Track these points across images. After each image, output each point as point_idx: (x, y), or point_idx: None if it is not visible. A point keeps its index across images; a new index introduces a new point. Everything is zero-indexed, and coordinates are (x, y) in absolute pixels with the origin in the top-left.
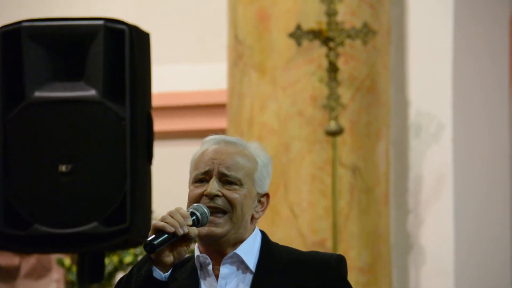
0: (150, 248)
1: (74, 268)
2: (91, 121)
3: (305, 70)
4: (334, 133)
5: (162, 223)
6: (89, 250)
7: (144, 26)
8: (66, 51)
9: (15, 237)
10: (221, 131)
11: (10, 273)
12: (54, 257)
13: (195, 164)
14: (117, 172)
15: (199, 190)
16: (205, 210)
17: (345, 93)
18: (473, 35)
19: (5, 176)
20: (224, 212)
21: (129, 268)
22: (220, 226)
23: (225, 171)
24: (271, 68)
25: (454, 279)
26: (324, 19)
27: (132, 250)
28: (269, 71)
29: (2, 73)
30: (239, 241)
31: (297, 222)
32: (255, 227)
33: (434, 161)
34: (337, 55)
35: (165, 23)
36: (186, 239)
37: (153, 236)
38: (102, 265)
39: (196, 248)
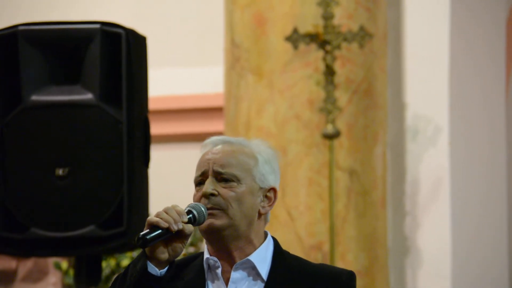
0: (142, 242)
1: (71, 272)
2: (88, 125)
3: (302, 73)
4: (331, 136)
5: (156, 219)
6: (86, 253)
7: (140, 29)
8: (62, 55)
9: (12, 241)
10: (218, 135)
11: (7, 277)
12: (51, 260)
13: (196, 168)
14: (114, 175)
15: (199, 193)
16: (203, 209)
17: (342, 96)
18: (470, 38)
19: (2, 180)
20: (221, 209)
21: None
22: (218, 218)
23: (220, 169)
24: (268, 72)
25: (451, 282)
26: (320, 22)
27: (129, 253)
28: (266, 75)
29: None
30: (244, 237)
31: (295, 225)
32: (267, 234)
33: (431, 164)
34: (334, 59)
35: (161, 27)
36: (181, 236)
37: (146, 231)
38: (99, 269)
39: (205, 249)
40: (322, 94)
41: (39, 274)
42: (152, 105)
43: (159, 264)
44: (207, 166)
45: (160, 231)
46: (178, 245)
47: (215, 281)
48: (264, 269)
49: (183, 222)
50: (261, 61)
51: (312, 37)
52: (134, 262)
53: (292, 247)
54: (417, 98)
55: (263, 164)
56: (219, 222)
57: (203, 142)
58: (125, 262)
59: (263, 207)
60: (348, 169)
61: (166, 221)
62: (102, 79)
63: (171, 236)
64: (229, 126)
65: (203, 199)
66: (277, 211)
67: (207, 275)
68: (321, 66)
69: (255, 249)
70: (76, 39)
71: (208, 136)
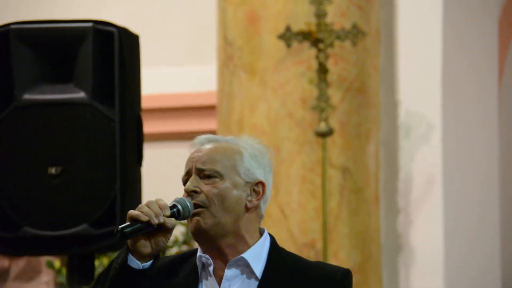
0: (121, 235)
1: (64, 270)
2: (80, 123)
3: (294, 71)
4: (324, 134)
5: (136, 212)
6: (79, 252)
7: (133, 28)
8: (55, 54)
9: (4, 240)
10: (211, 133)
11: (0, 276)
12: (44, 259)
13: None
14: (107, 174)
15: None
16: (188, 203)
17: (335, 94)
18: (463, 36)
19: None
20: (204, 207)
21: None
22: (202, 220)
23: (201, 166)
24: (261, 70)
25: (444, 279)
26: (313, 20)
27: None
28: (259, 73)
29: None
30: (232, 234)
31: (287, 223)
32: (264, 231)
33: (424, 161)
34: (327, 57)
35: (154, 25)
36: (163, 230)
37: (126, 224)
38: (92, 267)
39: (199, 249)
40: (315, 92)
41: (32, 273)
42: (145, 103)
43: (142, 257)
44: (191, 164)
45: (139, 224)
46: (161, 239)
47: (209, 279)
48: (258, 267)
49: (165, 215)
50: (254, 59)
51: (305, 35)
52: (117, 256)
53: (284, 245)
54: (409, 96)
55: (249, 159)
56: (203, 224)
57: (191, 142)
58: None
59: (250, 201)
60: (341, 166)
61: (147, 215)
62: (94, 78)
63: (154, 230)
64: (222, 124)
65: (186, 196)
66: (270, 209)
67: (201, 273)
68: (314, 64)
69: (248, 246)
70: (68, 38)
71: (201, 134)
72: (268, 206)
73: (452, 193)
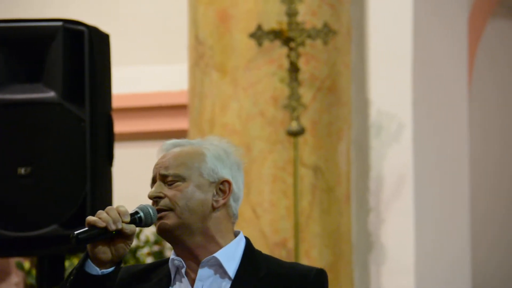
0: (75, 241)
1: (34, 272)
2: (50, 123)
3: (266, 70)
4: (295, 133)
5: (94, 218)
6: (49, 253)
7: (103, 27)
8: (24, 53)
9: None
10: (183, 132)
11: None
12: (14, 260)
13: None
14: (77, 174)
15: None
16: (150, 210)
17: (306, 93)
18: (433, 35)
19: None
20: (169, 210)
21: None
22: (166, 219)
23: (164, 172)
24: (232, 69)
25: (414, 278)
26: (284, 19)
27: None
28: (230, 72)
29: None
30: (200, 234)
31: (259, 223)
32: (239, 233)
33: (395, 160)
34: (298, 55)
35: (125, 24)
36: (123, 236)
37: (83, 229)
38: (62, 268)
39: (172, 252)
40: (286, 91)
41: (1, 274)
42: (115, 103)
43: (101, 263)
44: (155, 171)
45: (96, 230)
46: (121, 245)
47: (182, 280)
48: (231, 267)
49: (124, 222)
50: (225, 58)
51: (276, 34)
52: (78, 262)
53: (256, 244)
54: (381, 95)
55: (212, 159)
56: (168, 222)
57: (159, 147)
58: None
59: (217, 200)
60: (313, 166)
61: (104, 221)
62: (64, 77)
63: (113, 236)
64: (193, 124)
65: (153, 203)
66: (242, 208)
67: (174, 276)
68: (285, 63)
69: (220, 247)
70: (38, 37)
71: (172, 133)
72: (240, 205)
73: (423, 192)
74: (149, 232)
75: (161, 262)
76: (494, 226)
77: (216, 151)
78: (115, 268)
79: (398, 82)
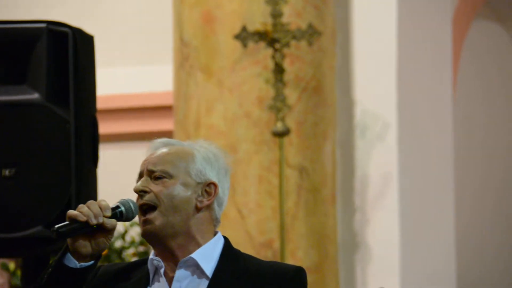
0: (57, 235)
1: (19, 272)
2: (35, 125)
3: (251, 71)
4: (280, 134)
5: (75, 212)
6: (34, 254)
7: (88, 28)
8: (8, 54)
9: None
10: (168, 133)
11: None
12: None
13: None
14: (62, 175)
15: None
16: (131, 205)
17: (291, 94)
18: (417, 36)
19: None
20: (153, 207)
21: None
22: (151, 223)
23: (152, 167)
24: (217, 70)
25: (400, 278)
26: (269, 20)
27: None
28: (215, 73)
29: None
30: (182, 233)
31: (245, 223)
32: (217, 233)
33: (380, 160)
34: (283, 56)
35: (109, 25)
36: (104, 230)
37: (64, 223)
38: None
39: (152, 252)
40: (271, 92)
41: None
42: (100, 104)
43: (81, 257)
44: (143, 167)
45: (77, 224)
46: (101, 239)
47: (160, 280)
48: (209, 267)
49: (105, 216)
50: (210, 60)
51: (261, 35)
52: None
53: (242, 245)
54: (365, 96)
55: (201, 160)
56: (151, 226)
57: (148, 145)
58: None
59: (201, 201)
60: (298, 166)
61: (85, 215)
62: (48, 79)
63: (94, 230)
64: (178, 125)
65: (138, 198)
66: (227, 209)
67: (153, 276)
68: (270, 64)
69: (199, 247)
70: (22, 39)
71: (158, 135)
72: (226, 206)
73: (408, 191)
74: (135, 232)
75: (141, 262)
76: (479, 225)
77: (205, 153)
78: (93, 262)
79: (382, 82)
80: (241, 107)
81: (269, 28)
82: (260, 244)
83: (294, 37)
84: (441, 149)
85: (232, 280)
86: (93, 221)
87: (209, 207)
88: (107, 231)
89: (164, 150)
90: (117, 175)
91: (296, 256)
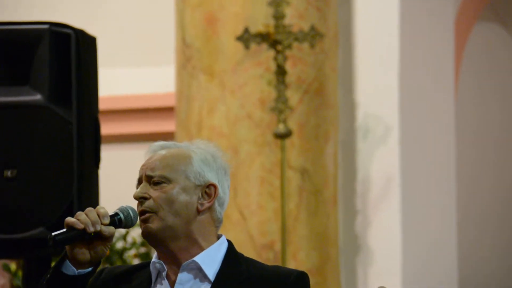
0: (53, 242)
1: (20, 273)
2: (37, 126)
3: (253, 73)
4: (282, 136)
5: (73, 220)
6: (35, 255)
7: (90, 29)
8: (11, 56)
9: None
10: (170, 135)
11: None
12: (0, 262)
13: None
14: (64, 177)
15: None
16: (130, 212)
17: (293, 96)
18: (419, 38)
19: None
20: (152, 212)
21: None
22: (150, 223)
23: (150, 173)
24: (219, 71)
25: (401, 280)
26: (271, 22)
27: None
28: (218, 74)
29: None
30: (184, 237)
31: (246, 225)
32: (221, 236)
33: (382, 162)
34: (285, 58)
35: (112, 27)
36: (102, 238)
37: (61, 231)
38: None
39: (155, 255)
40: (273, 93)
41: None
42: (102, 105)
43: (79, 264)
44: (141, 172)
45: (74, 232)
46: (100, 247)
47: (163, 283)
48: (211, 270)
49: (103, 224)
50: (212, 61)
51: (263, 37)
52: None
53: (244, 247)
54: (367, 98)
55: (199, 162)
56: (152, 226)
57: (146, 148)
58: None
59: (202, 204)
60: (300, 168)
61: (83, 222)
62: (51, 80)
63: (92, 238)
64: (180, 126)
65: (138, 204)
66: (229, 211)
67: (156, 279)
68: (272, 66)
69: (202, 250)
70: (24, 40)
71: (159, 136)
72: (227, 208)
73: (410, 194)
74: (136, 234)
75: (144, 265)
76: (481, 226)
77: (203, 155)
78: (92, 269)
79: (385, 84)
80: (243, 108)
81: (271, 29)
82: (262, 246)
83: (296, 39)
84: (443, 150)
85: (234, 284)
86: (91, 229)
87: (210, 208)
88: (105, 239)
89: (161, 153)
90: (119, 176)
91: (298, 258)
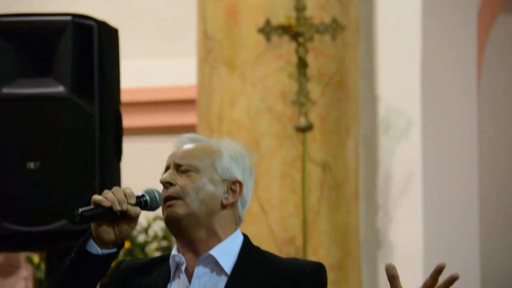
0: (79, 218)
1: (43, 266)
2: (59, 118)
3: (274, 65)
4: (303, 129)
5: (100, 197)
6: (58, 248)
7: (112, 21)
8: (34, 47)
9: None
10: (191, 127)
11: None
12: (23, 254)
13: None
14: (86, 169)
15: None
16: (156, 195)
17: (314, 89)
18: (442, 31)
19: None
20: (178, 198)
21: None
22: (175, 207)
23: (179, 161)
24: (240, 64)
25: (423, 275)
26: (293, 14)
27: None
28: (239, 67)
29: None
30: (205, 227)
31: (267, 219)
32: (236, 228)
33: (403, 157)
34: (306, 51)
35: (134, 19)
36: (127, 218)
37: (88, 207)
38: None
39: (174, 248)
40: (294, 86)
41: (11, 268)
42: (124, 97)
43: (104, 243)
44: (170, 160)
45: (101, 209)
46: (125, 227)
47: (181, 276)
48: (228, 264)
49: (130, 204)
50: (234, 53)
51: (285, 29)
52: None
53: (265, 241)
54: (389, 91)
55: (228, 158)
56: (178, 211)
57: (174, 139)
58: None
59: (226, 198)
60: (321, 162)
61: (110, 201)
62: (73, 72)
63: (117, 217)
64: (201, 119)
65: (163, 190)
66: (250, 205)
67: (174, 272)
68: (294, 59)
69: (220, 243)
70: (47, 31)
71: (181, 128)
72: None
73: (432, 189)
74: (158, 227)
75: (162, 258)
76: (503, 222)
77: (233, 152)
78: (116, 250)
79: (406, 78)
80: (264, 101)
81: (293, 22)
82: (283, 241)
83: (317, 31)
84: (466, 146)
85: (251, 277)
86: (117, 208)
87: (233, 205)
88: (131, 219)
89: (191, 145)
90: (141, 168)
91: (318, 253)
